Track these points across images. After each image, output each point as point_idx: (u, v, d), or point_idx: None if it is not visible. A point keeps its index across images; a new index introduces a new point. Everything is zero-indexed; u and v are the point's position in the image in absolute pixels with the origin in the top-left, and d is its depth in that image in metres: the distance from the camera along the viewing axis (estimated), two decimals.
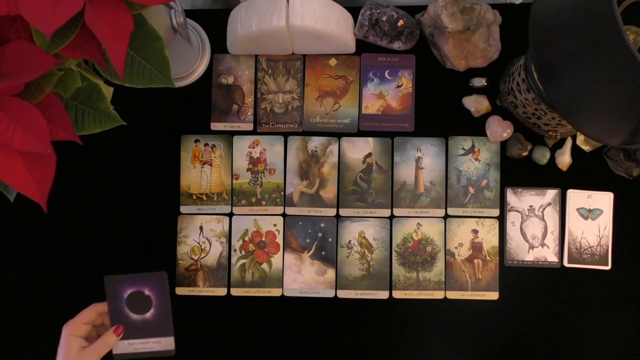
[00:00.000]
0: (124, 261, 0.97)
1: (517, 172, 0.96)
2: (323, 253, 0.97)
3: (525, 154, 0.95)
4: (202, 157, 0.98)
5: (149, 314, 0.84)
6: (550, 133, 0.94)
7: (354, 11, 0.95)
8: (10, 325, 0.97)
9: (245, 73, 0.97)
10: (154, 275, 0.85)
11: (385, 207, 0.97)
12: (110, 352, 0.83)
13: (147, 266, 0.96)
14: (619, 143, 0.74)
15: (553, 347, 0.94)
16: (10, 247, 0.97)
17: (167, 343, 0.86)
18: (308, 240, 0.97)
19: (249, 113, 0.97)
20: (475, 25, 0.90)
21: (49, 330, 0.96)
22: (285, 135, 0.98)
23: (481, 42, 0.92)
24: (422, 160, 0.97)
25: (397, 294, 0.96)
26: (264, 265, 0.97)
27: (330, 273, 0.96)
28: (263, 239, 0.97)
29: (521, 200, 0.96)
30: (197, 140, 0.98)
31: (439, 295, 0.96)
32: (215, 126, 0.97)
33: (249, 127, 0.97)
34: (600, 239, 0.95)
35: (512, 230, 0.96)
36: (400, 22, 0.94)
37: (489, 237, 0.96)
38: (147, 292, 0.84)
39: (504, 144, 0.96)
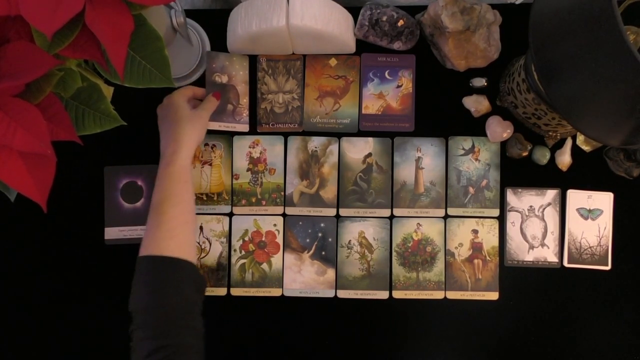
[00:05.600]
0: (124, 260, 0.97)
1: (517, 172, 0.96)
2: (323, 253, 0.97)
3: (525, 154, 0.95)
4: (202, 157, 0.98)
5: (139, 203, 0.95)
6: (550, 133, 0.94)
7: (354, 11, 0.95)
8: (10, 325, 0.97)
9: (239, 73, 0.96)
10: (146, 168, 0.96)
11: (385, 207, 0.97)
12: (103, 242, 0.96)
13: None
14: (619, 143, 0.74)
15: (553, 347, 0.94)
16: (10, 247, 0.97)
17: None
18: (308, 240, 0.97)
19: (244, 114, 0.96)
20: (475, 25, 0.90)
21: (49, 329, 0.97)
22: (285, 135, 0.98)
23: (481, 42, 0.92)
24: (422, 160, 0.97)
25: (397, 294, 0.96)
26: (264, 265, 0.97)
27: (330, 273, 0.96)
28: (263, 239, 0.97)
29: (521, 200, 0.96)
30: None
31: (439, 295, 0.96)
32: (210, 125, 0.95)
33: (245, 128, 0.97)
34: (600, 239, 0.95)
35: (512, 230, 0.96)
36: (400, 22, 0.94)
37: (489, 237, 0.96)
38: (139, 182, 0.94)
39: (504, 144, 0.96)
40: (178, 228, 0.78)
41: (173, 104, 0.88)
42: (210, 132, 0.98)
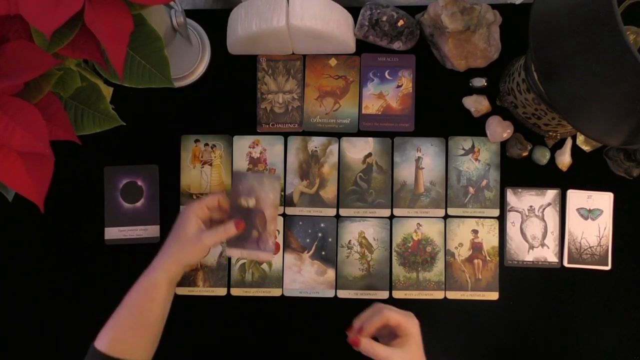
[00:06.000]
0: (124, 260, 0.97)
1: (517, 172, 0.96)
2: (323, 253, 0.96)
3: (525, 154, 0.95)
4: (202, 157, 0.98)
5: (139, 203, 0.94)
6: (550, 133, 0.94)
7: (354, 11, 0.95)
8: (9, 324, 0.97)
9: (269, 196, 0.85)
10: (146, 168, 0.96)
11: (385, 207, 0.97)
12: (103, 242, 0.96)
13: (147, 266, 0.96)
14: (619, 143, 0.74)
15: (553, 347, 0.94)
16: (9, 247, 0.97)
17: (153, 230, 0.96)
18: (308, 240, 0.97)
19: (270, 242, 0.85)
20: (475, 25, 0.90)
21: (48, 329, 0.97)
22: (285, 135, 0.98)
23: (481, 42, 0.92)
24: (422, 160, 0.97)
25: (397, 294, 0.96)
26: (264, 265, 0.97)
27: (330, 273, 0.96)
28: None
29: (521, 200, 0.96)
30: (197, 140, 0.98)
31: (439, 295, 0.96)
32: (231, 252, 0.88)
33: (269, 257, 0.89)
34: (600, 239, 0.95)
35: (512, 230, 0.96)
36: (400, 22, 0.94)
37: (489, 237, 0.96)
38: (139, 182, 0.93)
39: (504, 144, 0.96)
40: (133, 337, 0.79)
41: (183, 217, 0.83)
42: (209, 132, 0.98)
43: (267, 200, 0.84)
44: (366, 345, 0.76)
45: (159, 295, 0.80)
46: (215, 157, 0.98)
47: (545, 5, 0.72)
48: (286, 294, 0.97)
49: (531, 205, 0.96)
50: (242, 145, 0.98)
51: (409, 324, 0.77)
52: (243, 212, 0.83)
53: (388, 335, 0.79)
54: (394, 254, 0.96)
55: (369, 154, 0.97)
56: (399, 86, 0.98)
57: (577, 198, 0.96)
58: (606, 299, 0.95)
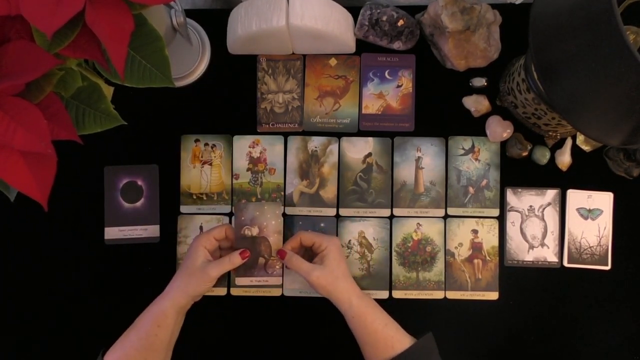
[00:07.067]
0: (124, 260, 0.97)
1: (517, 172, 0.97)
2: None
3: (525, 154, 0.95)
4: (202, 157, 0.98)
5: (139, 203, 0.94)
6: (550, 133, 0.94)
7: (354, 11, 0.96)
8: (9, 324, 0.97)
9: (271, 223, 0.88)
10: (146, 168, 0.96)
11: (385, 207, 0.97)
12: (103, 242, 0.96)
13: (147, 267, 0.96)
14: (619, 143, 0.74)
15: (553, 347, 0.94)
16: (10, 246, 0.97)
17: (153, 230, 0.96)
18: None
19: (277, 266, 0.88)
20: (475, 25, 0.90)
21: (47, 329, 0.97)
22: (285, 135, 0.98)
23: (481, 42, 0.92)
24: (422, 160, 0.97)
25: (397, 294, 0.96)
26: None
27: None
28: None
29: (521, 200, 0.96)
30: (197, 140, 0.98)
31: (438, 295, 0.96)
32: (241, 281, 0.89)
33: (278, 281, 0.91)
34: (600, 239, 0.95)
35: (512, 230, 0.96)
36: (400, 22, 0.94)
37: (489, 237, 0.96)
38: (139, 182, 0.94)
39: (504, 144, 0.97)
40: (138, 359, 0.81)
41: (191, 249, 0.85)
42: (209, 132, 0.98)
43: (269, 227, 0.87)
44: (290, 258, 0.85)
45: (165, 322, 0.82)
46: (215, 157, 0.98)
47: (545, 5, 0.72)
48: (286, 294, 0.97)
49: (531, 205, 0.96)
50: (242, 145, 0.98)
51: (324, 240, 0.85)
52: (248, 242, 0.86)
53: (314, 257, 0.87)
54: (393, 253, 0.96)
55: (369, 154, 0.98)
56: (399, 86, 0.98)
57: (577, 198, 0.96)
58: (606, 299, 0.95)
